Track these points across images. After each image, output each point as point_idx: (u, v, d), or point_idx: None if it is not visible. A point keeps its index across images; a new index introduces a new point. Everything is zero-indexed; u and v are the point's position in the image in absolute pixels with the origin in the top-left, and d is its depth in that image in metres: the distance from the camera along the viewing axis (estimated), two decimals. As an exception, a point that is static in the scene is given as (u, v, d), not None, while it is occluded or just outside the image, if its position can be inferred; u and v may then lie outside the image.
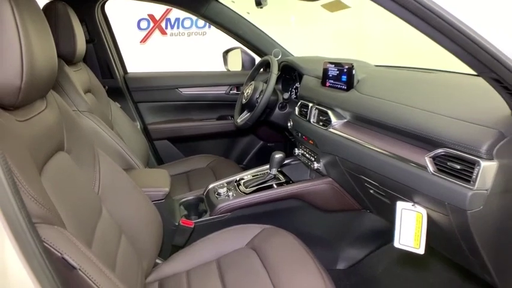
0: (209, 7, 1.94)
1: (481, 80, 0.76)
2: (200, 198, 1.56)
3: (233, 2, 1.87)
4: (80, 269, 0.64)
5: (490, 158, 0.78)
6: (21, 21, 0.68)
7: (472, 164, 0.80)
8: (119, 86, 2.07)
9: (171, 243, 1.37)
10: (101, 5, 1.96)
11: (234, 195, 1.45)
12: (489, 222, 0.83)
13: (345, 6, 1.30)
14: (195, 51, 4.35)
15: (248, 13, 1.94)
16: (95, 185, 1.05)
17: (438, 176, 0.88)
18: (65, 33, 1.44)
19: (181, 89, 2.16)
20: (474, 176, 0.79)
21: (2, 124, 0.67)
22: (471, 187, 0.80)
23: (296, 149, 1.65)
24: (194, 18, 4.47)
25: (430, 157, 0.90)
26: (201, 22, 4.55)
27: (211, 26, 4.86)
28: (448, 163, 0.86)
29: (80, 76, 1.57)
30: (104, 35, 1.98)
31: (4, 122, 0.68)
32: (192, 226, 1.35)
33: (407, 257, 1.56)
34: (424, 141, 0.94)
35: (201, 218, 1.42)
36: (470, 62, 0.69)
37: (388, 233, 1.34)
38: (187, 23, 4.55)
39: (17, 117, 0.74)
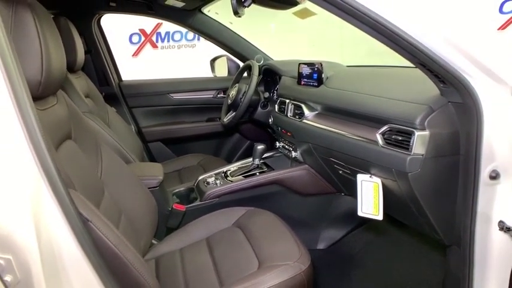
0: (195, 18, 2.14)
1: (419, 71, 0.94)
2: (191, 188, 1.72)
3: (217, 13, 2.06)
4: (90, 222, 0.80)
5: (423, 129, 0.96)
6: (41, 29, 0.86)
7: (409, 135, 0.98)
8: (115, 93, 2.25)
9: (166, 226, 1.52)
10: (97, 19, 2.15)
11: (222, 183, 1.62)
12: (428, 184, 1.01)
13: (312, 13, 1.49)
14: (186, 63, 4.53)
15: (231, 23, 2.13)
16: (97, 171, 1.21)
17: (386, 148, 1.06)
18: (67, 44, 1.61)
19: (172, 94, 2.34)
20: (411, 144, 0.98)
21: None
22: (409, 153, 0.98)
23: (277, 142, 1.83)
24: (184, 31, 4.68)
25: (379, 133, 1.08)
26: (190, 35, 4.76)
27: (201, 39, 5.05)
28: (393, 136, 1.05)
29: (80, 82, 1.74)
30: (100, 46, 2.17)
31: None
32: (184, 210, 1.51)
33: (382, 236, 1.74)
34: (374, 120, 1.12)
35: (192, 203, 1.58)
36: (398, 51, 0.88)
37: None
38: (177, 36, 4.75)
39: (37, 106, 0.91)
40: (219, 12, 2.05)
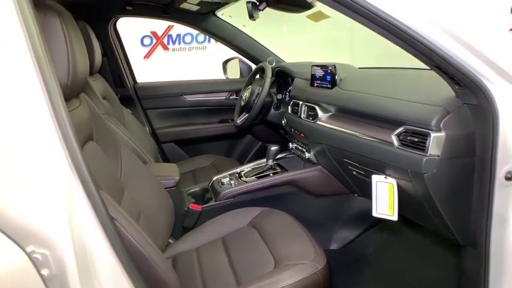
0: (209, 21, 2.17)
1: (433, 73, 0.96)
2: (205, 189, 1.75)
3: (230, 17, 2.09)
4: (116, 220, 0.83)
5: (439, 130, 0.98)
6: (68, 35, 0.89)
7: (425, 136, 1.00)
8: (130, 95, 2.30)
9: (182, 225, 1.55)
10: (113, 23, 2.20)
11: (236, 183, 1.65)
12: (443, 185, 1.02)
13: (325, 16, 1.51)
14: (196, 65, 4.58)
15: (244, 26, 2.16)
16: (118, 171, 1.24)
17: (402, 149, 1.07)
18: (86, 48, 1.66)
19: (185, 96, 2.38)
20: (427, 145, 0.99)
21: None
22: (425, 154, 0.99)
23: (290, 143, 1.85)
24: (195, 33, 4.73)
25: (395, 135, 1.10)
26: (201, 37, 4.81)
27: (211, 41, 5.09)
28: (408, 138, 1.06)
29: (97, 85, 1.79)
30: (116, 49, 2.22)
31: None
32: (200, 210, 1.54)
33: (395, 236, 1.74)
34: (389, 122, 1.14)
35: (208, 204, 1.61)
36: (413, 53, 0.90)
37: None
38: (188, 39, 4.80)
39: None
40: (233, 15, 2.08)
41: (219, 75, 2.56)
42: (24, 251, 0.59)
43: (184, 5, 1.85)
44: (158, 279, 0.90)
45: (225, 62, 2.56)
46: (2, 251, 0.58)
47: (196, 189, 1.75)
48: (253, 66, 2.45)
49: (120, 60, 2.25)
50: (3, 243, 0.58)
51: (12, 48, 0.62)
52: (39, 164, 0.63)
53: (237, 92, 2.45)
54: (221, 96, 2.45)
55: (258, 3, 1.52)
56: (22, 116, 0.62)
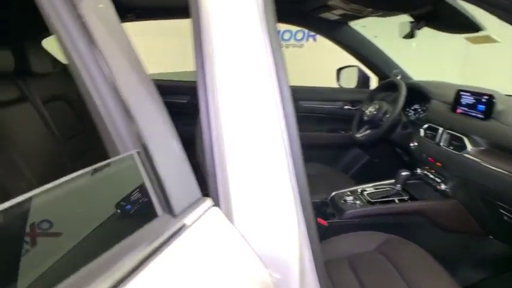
0: (340, 30, 2.12)
1: None
2: (324, 202, 1.74)
3: (364, 26, 2.03)
4: None
5: None
6: None
7: None
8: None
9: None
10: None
11: (361, 204, 1.61)
12: None
13: (492, 41, 1.38)
14: (292, 62, 4.57)
15: (375, 37, 2.08)
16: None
17: None
18: None
19: (301, 102, 2.37)
20: None
21: None
22: None
23: (419, 169, 1.75)
24: (294, 30, 4.72)
25: None
26: (299, 35, 4.79)
27: (309, 40, 5.02)
28: None
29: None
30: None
31: None
32: (326, 225, 1.53)
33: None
34: None
35: (331, 219, 1.60)
36: None
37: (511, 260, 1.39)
38: (286, 35, 4.81)
39: None
40: (366, 25, 2.01)
41: (313, 73, 2.49)
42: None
43: (325, 15, 1.83)
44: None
45: (340, 69, 2.50)
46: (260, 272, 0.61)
47: (316, 200, 1.75)
48: (372, 77, 2.36)
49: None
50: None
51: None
52: (276, 184, 0.64)
53: (352, 103, 2.39)
54: (335, 105, 2.40)
55: (416, 23, 1.45)
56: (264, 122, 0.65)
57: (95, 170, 0.41)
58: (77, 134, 2.10)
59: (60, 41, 0.46)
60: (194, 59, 0.64)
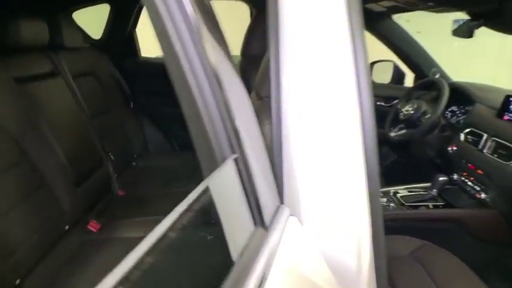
0: (381, 22, 2.03)
1: None
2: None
3: (408, 21, 1.93)
4: None
5: None
6: None
7: None
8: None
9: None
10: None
11: (395, 206, 1.56)
12: None
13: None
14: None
15: (418, 32, 1.98)
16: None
17: None
18: None
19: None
20: None
21: None
22: None
23: (455, 174, 1.68)
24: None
25: None
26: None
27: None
28: None
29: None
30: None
31: None
32: (358, 227, 1.49)
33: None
34: None
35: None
36: None
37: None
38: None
39: None
40: (410, 19, 1.91)
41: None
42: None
43: (370, 5, 1.74)
44: None
45: (374, 63, 2.41)
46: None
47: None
48: (408, 73, 2.27)
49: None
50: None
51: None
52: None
53: (385, 99, 2.30)
54: (367, 100, 2.32)
55: (475, 21, 1.36)
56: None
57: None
58: (105, 112, 2.07)
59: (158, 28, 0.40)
60: (271, 59, 0.57)
